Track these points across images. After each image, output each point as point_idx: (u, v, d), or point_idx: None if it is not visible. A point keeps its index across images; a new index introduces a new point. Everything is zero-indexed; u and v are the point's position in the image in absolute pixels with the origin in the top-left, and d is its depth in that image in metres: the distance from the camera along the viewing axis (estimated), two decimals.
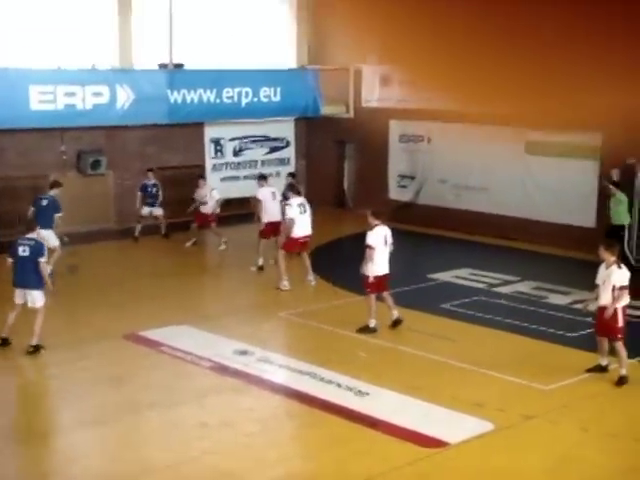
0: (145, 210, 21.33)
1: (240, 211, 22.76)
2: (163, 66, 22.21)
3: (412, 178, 23.53)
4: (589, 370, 11.63)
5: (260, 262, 17.82)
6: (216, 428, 10.22)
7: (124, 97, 20.82)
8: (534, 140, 20.71)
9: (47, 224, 16.35)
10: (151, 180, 21.38)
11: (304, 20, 25.32)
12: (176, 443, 9.87)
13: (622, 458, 9.54)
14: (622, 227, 17.72)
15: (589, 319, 12.79)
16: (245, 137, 24.24)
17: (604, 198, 18.95)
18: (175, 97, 21.73)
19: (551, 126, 19.67)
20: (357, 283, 15.14)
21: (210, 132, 23.55)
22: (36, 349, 12.51)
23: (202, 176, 21.89)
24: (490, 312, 14.86)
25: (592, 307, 12.06)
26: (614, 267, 11.31)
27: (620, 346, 11.28)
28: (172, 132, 22.49)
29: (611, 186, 17.76)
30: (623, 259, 16.96)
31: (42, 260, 12.62)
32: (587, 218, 19.74)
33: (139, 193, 21.33)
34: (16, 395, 11.75)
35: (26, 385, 12.20)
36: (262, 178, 18.70)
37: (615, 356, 11.42)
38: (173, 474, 9.10)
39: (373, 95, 23.99)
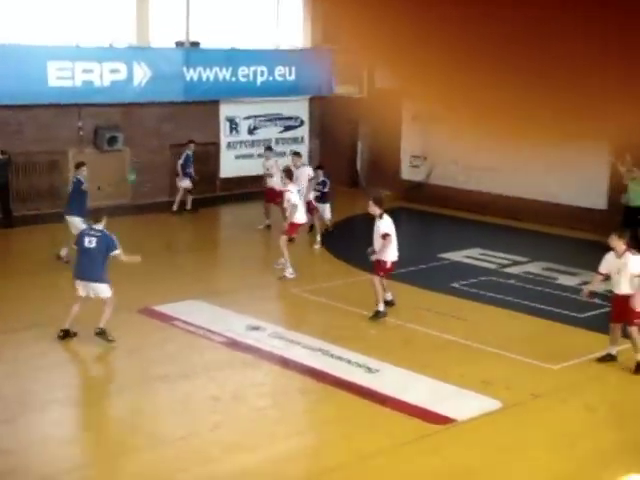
0: (185, 182, 21.29)
1: (254, 188, 22.73)
2: (179, 44, 22.16)
3: (424, 158, 23.43)
4: (600, 360, 11.32)
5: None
6: (227, 402, 10.23)
7: (141, 74, 20.78)
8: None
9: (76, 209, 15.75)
10: (192, 150, 21.40)
11: (318, 1, 25.14)
12: (188, 416, 9.89)
13: (627, 437, 9.50)
14: (638, 208, 17.35)
15: (597, 300, 12.73)
16: (260, 115, 24.16)
17: (616, 180, 18.83)
18: (191, 75, 21.69)
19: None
20: (368, 262, 15.11)
21: (225, 110, 23.48)
22: (102, 332, 11.81)
23: (269, 147, 21.33)
24: (500, 292, 14.81)
25: (592, 287, 11.90)
26: (629, 255, 10.96)
27: (636, 331, 10.99)
28: (188, 110, 22.43)
29: (635, 168, 17.39)
30: (637, 238, 16.90)
31: (115, 254, 11.99)
32: (598, 200, 19.62)
33: (181, 164, 21.30)
34: (25, 366, 11.76)
35: (39, 355, 12.23)
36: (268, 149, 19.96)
37: (629, 339, 11.24)
38: (185, 446, 9.11)
39: (387, 74, 23.80)
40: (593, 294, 12.29)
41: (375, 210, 13.25)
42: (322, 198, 18.79)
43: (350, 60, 24.29)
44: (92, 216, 12.38)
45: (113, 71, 20.46)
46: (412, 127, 23.59)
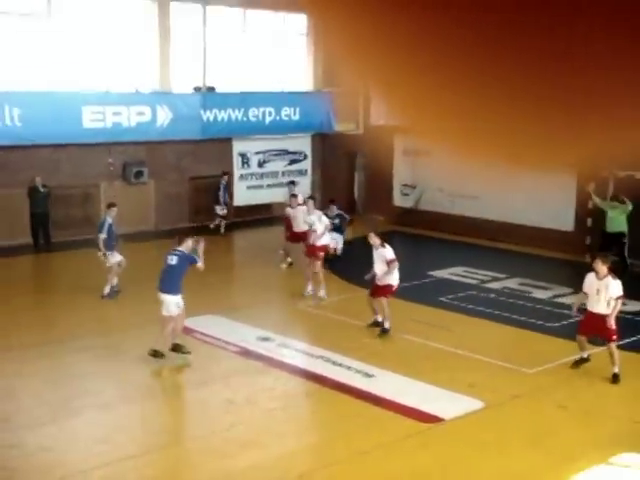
0: (220, 209, 21.78)
1: (264, 215, 22.81)
2: (197, 89, 22.31)
3: (413, 187, 23.49)
4: (575, 364, 11.18)
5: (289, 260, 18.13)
6: (241, 404, 10.24)
7: (163, 116, 20.94)
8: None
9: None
10: (225, 181, 22.07)
11: (319, 48, 25.32)
12: (206, 417, 9.91)
13: (596, 433, 9.49)
14: (622, 234, 17.07)
15: (566, 311, 12.73)
16: (268, 151, 24.26)
17: (585, 206, 18.86)
18: (207, 116, 21.83)
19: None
20: (370, 284, 15.15)
21: (238, 146, 23.59)
22: (175, 348, 11.62)
23: (293, 182, 21.12)
24: (482, 305, 14.82)
25: (577, 305, 11.66)
26: (609, 278, 10.76)
27: (614, 347, 10.80)
28: (205, 146, 22.54)
29: (623, 197, 17.04)
30: (624, 264, 16.90)
31: (196, 264, 11.74)
32: (566, 223, 19.67)
33: (217, 193, 21.83)
34: (65, 374, 11.78)
35: (78, 363, 12.25)
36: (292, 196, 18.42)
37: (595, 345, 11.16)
38: (203, 444, 9.13)
39: (380, 114, 23.96)
40: (581, 310, 12.11)
41: (376, 241, 12.96)
42: (339, 229, 18.41)
43: (348, 101, 24.44)
44: (177, 239, 11.99)
45: (139, 113, 20.62)
46: (403, 159, 23.68)
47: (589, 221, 18.90)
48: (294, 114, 23.66)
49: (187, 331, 13.17)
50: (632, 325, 13.71)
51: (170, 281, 11.58)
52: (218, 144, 22.86)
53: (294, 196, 18.28)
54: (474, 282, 16.66)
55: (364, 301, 15.03)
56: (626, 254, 17.03)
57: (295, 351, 12.30)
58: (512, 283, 16.56)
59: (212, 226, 21.85)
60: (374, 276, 13.01)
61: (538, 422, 9.67)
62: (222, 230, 21.77)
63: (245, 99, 22.76)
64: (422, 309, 14.48)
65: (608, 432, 9.49)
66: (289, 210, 17.81)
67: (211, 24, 22.75)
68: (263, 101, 23.06)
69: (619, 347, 12.46)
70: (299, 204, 17.50)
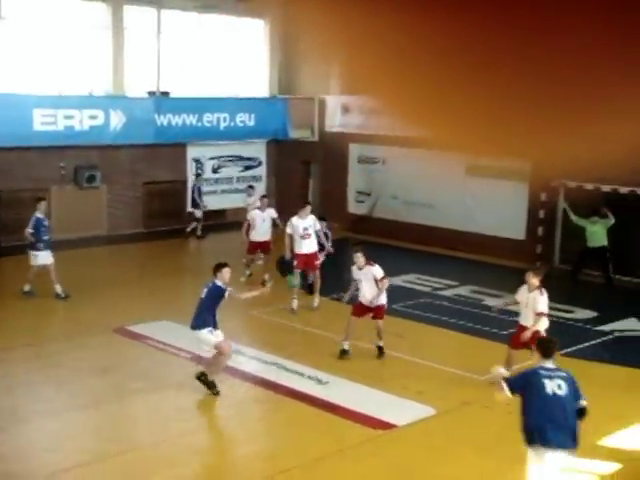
0: (197, 212, 21.98)
1: (218, 221, 22.78)
2: (151, 93, 22.21)
3: (368, 194, 23.68)
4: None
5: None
6: (194, 411, 10.24)
7: (117, 120, 20.81)
8: (473, 164, 20.95)
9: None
10: (199, 183, 22.44)
11: (275, 55, 25.42)
12: (158, 424, 9.89)
13: None
14: (604, 248, 17.31)
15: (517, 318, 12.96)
16: (222, 156, 24.24)
17: (537, 215, 19.23)
18: (161, 121, 21.76)
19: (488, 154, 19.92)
20: (320, 285, 15.25)
21: (192, 152, 23.52)
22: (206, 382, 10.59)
23: (252, 186, 21.49)
24: (434, 312, 15.01)
25: (501, 306, 11.99)
26: (537, 293, 10.64)
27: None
28: (159, 151, 22.44)
29: (605, 211, 17.21)
30: (608, 278, 17.22)
31: (228, 293, 10.61)
32: (518, 232, 20.01)
33: (193, 195, 22.15)
34: (14, 381, 11.66)
35: (27, 372, 12.12)
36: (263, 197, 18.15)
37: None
38: (156, 451, 9.11)
39: (335, 121, 24.13)
40: (501, 311, 12.42)
41: (361, 260, 12.21)
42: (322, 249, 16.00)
43: (304, 107, 24.55)
44: (213, 269, 10.96)
45: (92, 117, 20.47)
46: (357, 166, 23.85)
47: (540, 230, 19.27)
48: (249, 120, 23.69)
49: (138, 337, 13.12)
50: (579, 332, 14.03)
51: (197, 314, 10.72)
52: (172, 149, 22.78)
53: (265, 197, 18.18)
54: (427, 289, 16.86)
55: (319, 308, 15.12)
56: (610, 268, 17.35)
57: (248, 358, 12.31)
58: (464, 291, 16.80)
59: (188, 230, 22.06)
60: (353, 298, 12.39)
61: (488, 428, 9.84)
62: (199, 232, 21.99)
63: (200, 104, 22.73)
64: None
65: None
66: (256, 213, 16.88)
67: (166, 28, 22.68)
68: (218, 106, 23.04)
69: (568, 354, 12.77)
70: (268, 206, 17.20)
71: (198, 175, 22.77)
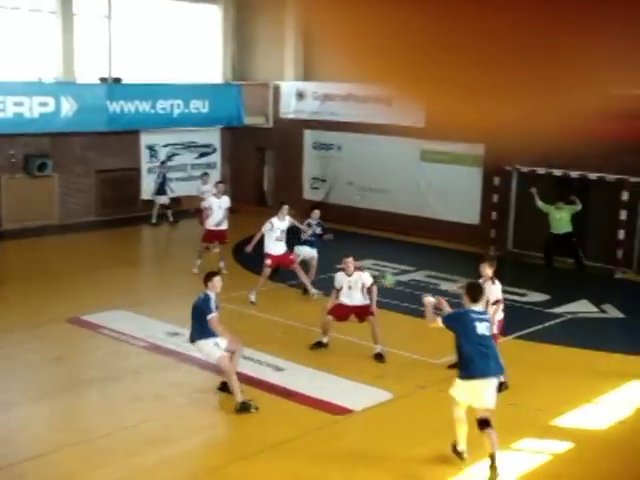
0: (162, 198, 21.79)
1: (172, 208, 22.52)
2: (103, 80, 21.86)
3: (323, 181, 23.66)
4: (450, 367, 10.80)
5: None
6: (149, 401, 10.14)
7: (67, 107, 20.43)
8: (427, 149, 21.08)
9: None
10: (165, 170, 22.11)
11: (229, 41, 25.20)
12: (113, 414, 9.76)
13: (498, 419, 9.76)
14: (570, 234, 17.43)
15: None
16: (176, 144, 24.00)
17: (490, 199, 19.41)
18: (114, 107, 21.42)
19: (442, 137, 20.08)
20: (274, 272, 15.19)
21: (145, 139, 23.24)
22: (243, 408, 9.77)
23: (207, 173, 20.91)
24: (390, 297, 15.04)
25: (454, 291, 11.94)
26: (489, 283, 10.51)
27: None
28: (111, 139, 22.12)
29: (573, 197, 17.34)
30: (579, 263, 17.36)
31: (210, 317, 9.81)
32: (472, 216, 20.19)
33: (157, 182, 21.88)
34: None
35: None
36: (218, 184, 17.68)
37: None
38: (111, 441, 9.00)
39: (290, 108, 24.04)
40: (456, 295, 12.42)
41: (350, 267, 11.92)
42: (312, 243, 15.48)
43: (258, 94, 24.41)
44: (203, 279, 10.32)
45: (42, 104, 20.05)
46: (312, 153, 23.81)
47: (494, 214, 19.45)
48: (203, 107, 23.46)
49: (93, 327, 12.95)
50: (532, 315, 14.22)
51: (194, 325, 10.11)
52: (125, 136, 22.48)
53: (221, 182, 17.83)
54: None
55: (274, 295, 15.10)
56: (580, 253, 17.51)
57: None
58: (420, 275, 16.89)
59: (154, 220, 21.77)
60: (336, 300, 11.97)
61: (443, 411, 9.89)
62: (171, 219, 21.89)
63: (153, 91, 22.43)
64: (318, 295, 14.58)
65: (510, 420, 9.81)
66: (213, 200, 16.45)
67: (117, 13, 22.32)
68: (171, 93, 22.77)
69: (522, 337, 12.94)
70: (223, 193, 16.82)
71: (163, 162, 22.53)
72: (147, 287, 16.75)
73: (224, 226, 16.47)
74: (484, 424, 8.31)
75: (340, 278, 12.06)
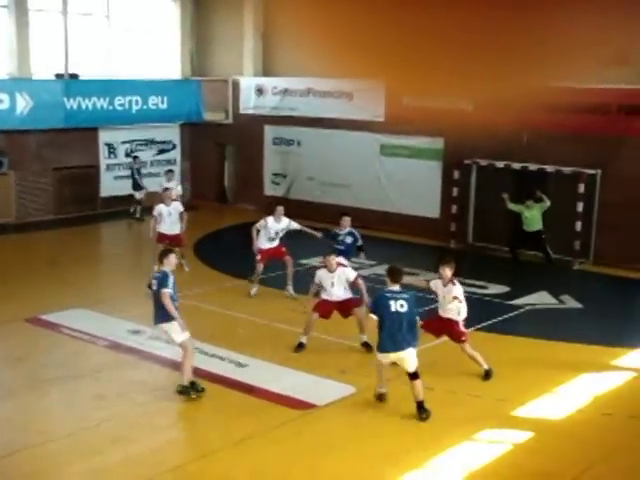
0: (138, 194, 21.74)
1: (131, 206, 22.31)
2: (59, 76, 21.57)
3: (284, 176, 23.63)
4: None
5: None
6: (112, 399, 10.04)
7: (23, 104, 20.14)
8: (387, 143, 21.16)
9: None
10: (137, 165, 21.99)
11: (188, 36, 25.02)
12: (75, 414, 9.66)
13: (460, 411, 9.90)
14: (540, 231, 17.58)
15: (430, 296, 13.16)
16: (135, 140, 23.78)
17: (450, 193, 19.55)
18: (71, 104, 21.17)
19: (401, 131, 20.19)
20: (236, 268, 15.12)
21: (104, 136, 22.99)
22: (186, 390, 10.04)
23: (172, 170, 20.78)
24: (353, 292, 15.05)
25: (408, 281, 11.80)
26: (450, 285, 10.67)
27: (468, 348, 10.85)
28: (69, 136, 21.84)
29: (540, 194, 17.37)
30: (548, 258, 17.51)
31: (163, 291, 9.80)
32: (432, 210, 20.32)
33: (133, 177, 21.75)
34: None
35: None
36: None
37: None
38: (73, 441, 8.90)
39: (249, 103, 23.95)
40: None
41: (332, 264, 11.83)
42: (347, 253, 14.30)
43: (217, 90, 24.28)
44: (159, 256, 10.36)
45: None
46: (273, 148, 23.75)
47: (454, 208, 19.60)
48: (162, 103, 23.29)
49: (52, 326, 12.79)
50: (493, 307, 14.36)
51: (157, 309, 10.05)
52: (83, 133, 22.21)
53: (167, 189, 17.30)
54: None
55: (234, 290, 15.04)
56: (548, 249, 17.66)
57: (166, 343, 12.10)
58: (381, 269, 16.92)
59: (138, 215, 21.76)
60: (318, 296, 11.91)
61: (407, 404, 9.97)
62: (138, 215, 21.67)
63: (110, 87, 22.20)
64: (294, 297, 14.59)
65: (472, 410, 9.92)
66: (161, 208, 15.80)
67: (72, 8, 22.02)
68: (130, 89, 22.56)
69: (483, 329, 13.05)
70: (174, 200, 16.25)
71: (135, 157, 22.37)
72: (107, 285, 16.57)
73: (177, 230, 15.85)
74: (412, 376, 9.63)
75: (322, 275, 11.96)
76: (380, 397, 10.06)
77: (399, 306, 9.57)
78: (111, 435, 9.02)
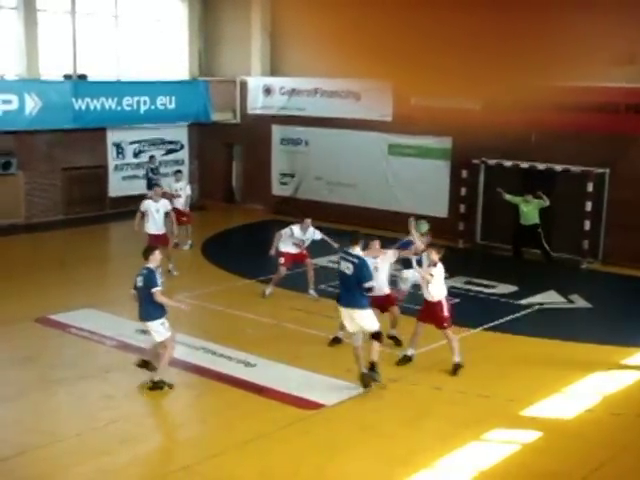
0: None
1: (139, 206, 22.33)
2: (68, 77, 21.61)
3: (292, 176, 23.62)
4: (398, 363, 11.21)
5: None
6: (120, 399, 10.05)
7: (32, 105, 20.18)
8: (395, 143, 21.12)
9: None
10: (153, 164, 21.45)
11: (195, 36, 25.03)
12: (83, 414, 9.67)
13: (468, 411, 9.87)
14: (536, 225, 17.51)
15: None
16: (143, 140, 23.80)
17: (459, 193, 19.50)
18: (80, 105, 21.19)
19: (410, 131, 20.15)
20: (245, 268, 15.11)
21: (112, 136, 23.01)
22: (156, 385, 10.25)
23: (179, 171, 20.17)
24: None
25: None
26: (432, 267, 10.88)
27: (448, 334, 10.92)
28: (77, 136, 21.87)
29: (540, 193, 17.35)
30: (546, 253, 17.47)
31: (154, 290, 10.08)
32: (441, 209, 20.25)
33: (149, 177, 21.14)
34: None
35: None
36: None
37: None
38: (81, 441, 8.91)
39: (257, 103, 23.95)
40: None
41: (378, 250, 11.63)
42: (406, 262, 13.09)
43: (225, 90, 24.27)
44: (144, 253, 10.50)
45: (5, 102, 19.77)
46: (280, 148, 23.74)
47: (462, 207, 19.55)
48: (170, 103, 23.30)
49: (61, 326, 12.81)
50: (501, 307, 14.32)
51: (142, 305, 10.29)
52: (91, 134, 22.23)
53: (158, 185, 17.18)
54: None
55: (243, 290, 15.04)
56: (544, 244, 17.61)
57: (175, 343, 12.12)
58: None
59: None
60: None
61: (415, 404, 9.96)
62: None
63: (119, 87, 22.22)
64: (301, 297, 14.58)
65: (481, 411, 9.88)
66: (149, 204, 15.72)
67: (81, 8, 22.06)
68: (138, 90, 22.57)
69: (491, 329, 13.01)
70: (163, 195, 16.11)
71: (152, 157, 22.19)
72: (116, 285, 16.56)
73: (163, 230, 15.72)
74: (373, 337, 10.20)
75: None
76: (334, 340, 11.50)
77: (345, 268, 10.29)
78: (120, 435, 9.03)
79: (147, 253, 10.46)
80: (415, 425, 9.42)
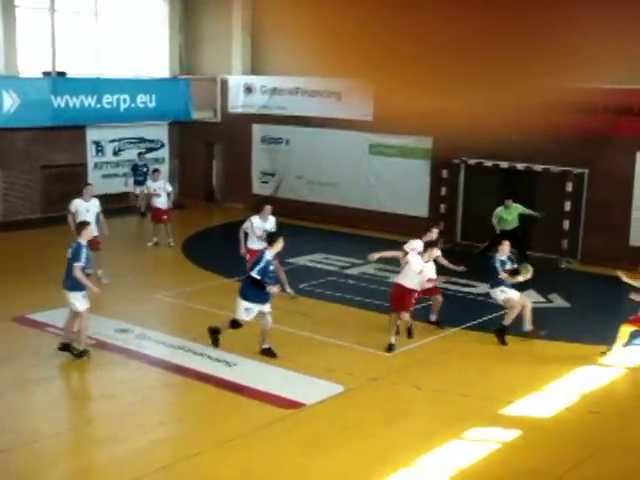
0: (138, 189, 21.52)
1: (119, 204, 22.24)
2: (47, 74, 21.45)
3: (272, 175, 23.58)
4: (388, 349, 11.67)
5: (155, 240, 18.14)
6: (99, 399, 9.99)
7: (10, 102, 20.00)
8: (376, 142, 21.15)
9: None
10: (142, 161, 21.76)
11: (176, 34, 24.93)
12: (63, 414, 9.61)
13: (448, 409, 9.90)
14: (517, 228, 17.46)
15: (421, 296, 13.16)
16: (123, 139, 23.67)
17: (439, 192, 19.53)
18: (59, 102, 21.03)
19: (390, 131, 20.18)
20: (225, 267, 15.05)
21: (91, 134, 22.87)
22: (81, 354, 11.04)
23: (158, 170, 19.90)
24: (340, 290, 15.08)
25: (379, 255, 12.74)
26: (408, 257, 11.87)
27: (406, 317, 11.80)
28: (57, 134, 21.71)
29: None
30: (523, 255, 17.49)
31: (76, 265, 10.79)
32: (421, 209, 20.31)
33: (131, 173, 21.71)
34: None
35: None
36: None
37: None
38: (58, 442, 8.84)
39: (238, 102, 23.90)
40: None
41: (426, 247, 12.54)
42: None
43: (205, 88, 24.19)
44: (76, 228, 11.22)
45: None
46: (261, 147, 23.70)
47: (442, 207, 19.61)
48: (150, 101, 23.18)
49: (39, 325, 12.70)
50: (481, 306, 14.36)
51: (67, 276, 11.00)
52: (71, 131, 22.08)
53: (88, 184, 16.59)
54: (334, 269, 16.92)
55: (223, 289, 14.99)
56: (524, 249, 17.60)
57: (153, 342, 12.09)
58: (370, 269, 16.93)
59: (139, 206, 21.72)
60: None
61: (395, 403, 9.97)
62: (142, 209, 21.58)
63: (98, 85, 22.08)
64: (281, 296, 14.52)
65: (460, 409, 9.91)
66: (78, 203, 15.17)
67: (60, 5, 21.90)
68: (117, 87, 22.44)
69: (470, 328, 13.06)
70: (94, 196, 15.45)
71: (140, 154, 22.20)
72: (94, 284, 16.45)
73: (95, 232, 14.82)
74: (233, 325, 11.22)
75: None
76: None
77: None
78: (98, 435, 8.97)
79: (80, 227, 11.18)
80: (395, 424, 9.43)
